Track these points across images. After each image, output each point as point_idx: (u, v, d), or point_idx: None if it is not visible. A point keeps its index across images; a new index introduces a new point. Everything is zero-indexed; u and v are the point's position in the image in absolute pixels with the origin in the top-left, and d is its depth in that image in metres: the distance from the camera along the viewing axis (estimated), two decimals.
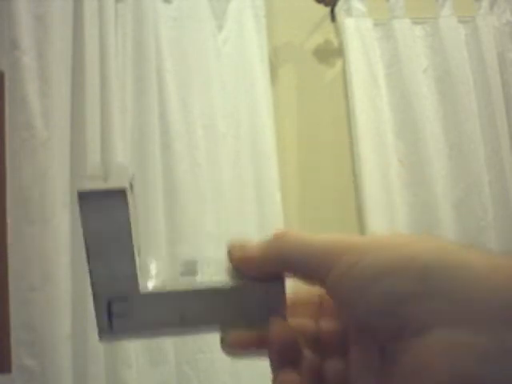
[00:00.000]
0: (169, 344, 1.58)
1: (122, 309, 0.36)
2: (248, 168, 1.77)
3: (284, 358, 0.36)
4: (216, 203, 1.70)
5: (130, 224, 0.35)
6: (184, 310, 0.37)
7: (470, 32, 1.99)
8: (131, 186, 0.36)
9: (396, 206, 1.85)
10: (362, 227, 1.86)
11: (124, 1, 1.74)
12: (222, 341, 0.37)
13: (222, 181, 1.73)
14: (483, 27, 1.98)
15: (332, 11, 1.99)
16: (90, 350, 1.50)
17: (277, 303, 0.37)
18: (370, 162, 1.86)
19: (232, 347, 0.37)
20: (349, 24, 1.94)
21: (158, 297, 0.37)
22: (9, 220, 1.48)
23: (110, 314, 0.36)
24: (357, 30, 1.93)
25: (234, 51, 1.84)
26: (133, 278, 0.36)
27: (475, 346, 0.27)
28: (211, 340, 1.59)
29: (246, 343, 0.37)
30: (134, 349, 1.55)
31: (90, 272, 0.36)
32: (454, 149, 1.92)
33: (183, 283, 0.37)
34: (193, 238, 1.64)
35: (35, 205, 1.50)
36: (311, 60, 2.00)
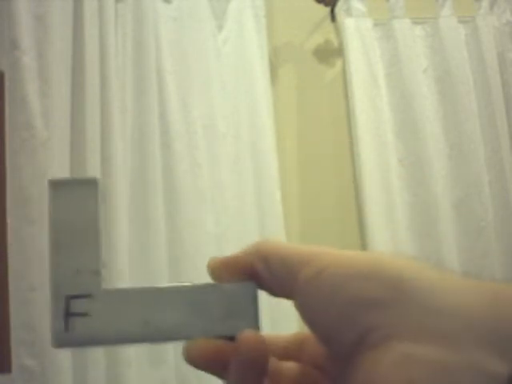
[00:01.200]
0: (169, 344, 1.57)
1: (82, 307, 0.33)
2: (248, 168, 1.77)
3: (250, 373, 0.32)
4: (216, 203, 1.70)
5: (99, 217, 0.34)
6: (148, 313, 0.33)
7: (470, 32, 1.99)
8: (101, 193, 0.35)
9: (396, 205, 1.85)
10: (361, 227, 1.86)
11: (124, 1, 1.74)
12: (185, 350, 0.34)
13: (222, 181, 1.73)
14: (483, 27, 1.98)
15: (332, 11, 1.99)
16: (90, 350, 1.49)
17: (248, 309, 0.34)
18: (370, 161, 1.86)
19: (195, 357, 0.34)
20: (349, 24, 1.94)
21: (122, 296, 0.34)
22: (9, 220, 1.48)
23: (67, 314, 0.33)
24: (357, 30, 1.93)
25: (233, 51, 1.84)
26: (96, 273, 0.33)
27: (438, 363, 0.26)
28: None
29: (211, 354, 0.33)
30: (134, 349, 1.55)
31: (51, 265, 0.33)
32: (454, 149, 1.92)
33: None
34: (193, 238, 1.64)
35: (35, 205, 1.50)
36: (311, 60, 2.00)
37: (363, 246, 1.85)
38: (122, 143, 1.64)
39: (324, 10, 1.98)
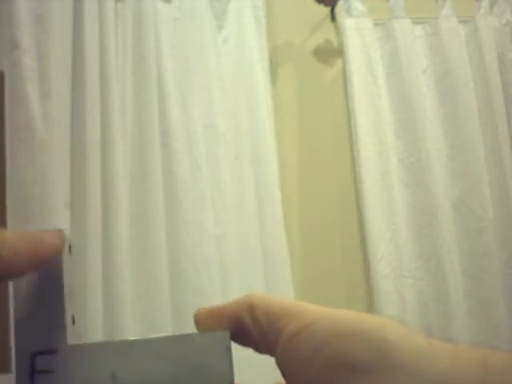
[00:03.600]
0: None
1: (47, 364, 0.31)
2: (248, 168, 1.77)
3: None
4: (216, 203, 1.70)
5: (61, 270, 0.32)
6: (116, 367, 0.32)
7: (469, 32, 1.99)
8: (69, 247, 0.33)
9: (396, 205, 1.85)
10: (361, 227, 1.86)
11: (124, 1, 1.74)
12: None
13: (222, 181, 1.73)
14: (483, 27, 1.98)
15: (332, 11, 1.99)
16: None
17: (221, 361, 0.32)
18: (370, 161, 1.86)
19: None
20: (349, 24, 1.94)
21: (88, 351, 0.32)
22: (9, 220, 1.48)
23: (32, 371, 0.31)
24: (357, 30, 1.93)
25: (234, 51, 1.84)
26: (61, 328, 0.32)
27: None
28: None
29: None
30: None
31: (15, 322, 0.32)
32: (454, 149, 1.92)
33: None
34: (193, 238, 1.64)
35: (35, 205, 1.50)
36: (311, 60, 2.00)
37: (363, 245, 1.85)
38: (121, 143, 1.64)
39: (324, 10, 1.98)
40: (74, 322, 0.33)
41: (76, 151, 1.59)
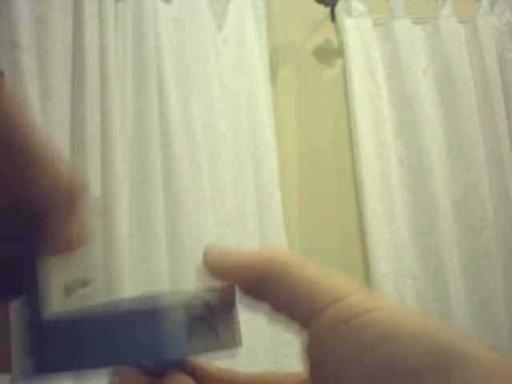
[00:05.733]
0: None
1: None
2: (248, 168, 1.77)
3: None
4: (216, 203, 1.70)
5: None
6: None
7: (469, 32, 1.99)
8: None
9: (396, 205, 1.85)
10: (362, 227, 1.86)
11: (124, 1, 1.74)
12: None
13: (222, 181, 1.73)
14: (483, 27, 1.98)
15: (332, 11, 1.99)
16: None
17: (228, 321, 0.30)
18: (370, 161, 1.86)
19: None
20: (349, 24, 1.94)
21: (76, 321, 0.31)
22: None
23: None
24: (357, 30, 1.93)
25: (234, 51, 1.84)
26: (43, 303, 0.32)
27: None
28: None
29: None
30: None
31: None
32: (454, 149, 1.92)
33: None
34: (193, 238, 1.64)
35: None
36: (311, 60, 2.00)
37: (363, 245, 1.85)
38: (121, 143, 1.64)
39: (324, 10, 1.98)
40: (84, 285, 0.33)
41: (76, 151, 1.59)
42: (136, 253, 1.61)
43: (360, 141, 1.87)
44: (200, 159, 1.71)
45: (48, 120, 1.54)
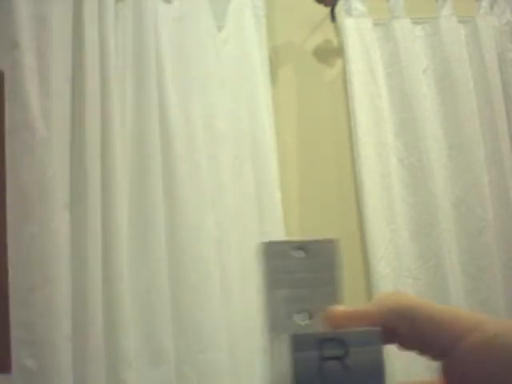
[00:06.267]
0: (169, 344, 1.58)
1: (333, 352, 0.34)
2: (248, 168, 1.77)
3: None
4: (216, 203, 1.70)
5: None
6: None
7: (469, 32, 1.99)
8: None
9: (396, 205, 1.85)
10: (362, 227, 1.86)
11: (124, 1, 1.74)
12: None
13: (222, 181, 1.73)
14: (483, 27, 1.98)
15: (332, 11, 1.99)
16: (90, 350, 1.49)
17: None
18: (370, 161, 1.86)
19: None
20: (349, 24, 1.94)
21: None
22: (9, 220, 1.48)
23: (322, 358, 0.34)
24: (357, 30, 1.93)
25: (234, 51, 1.84)
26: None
27: None
28: (211, 340, 1.59)
29: None
30: (134, 349, 1.55)
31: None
32: (454, 149, 1.92)
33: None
34: (193, 238, 1.64)
35: (35, 205, 1.50)
36: (311, 60, 2.00)
37: (363, 245, 1.85)
38: (121, 143, 1.64)
39: (324, 10, 1.98)
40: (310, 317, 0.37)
41: (76, 151, 1.59)
42: (136, 253, 1.61)
43: (360, 141, 1.87)
44: (200, 159, 1.70)
45: (48, 120, 1.54)
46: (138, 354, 1.56)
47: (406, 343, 0.35)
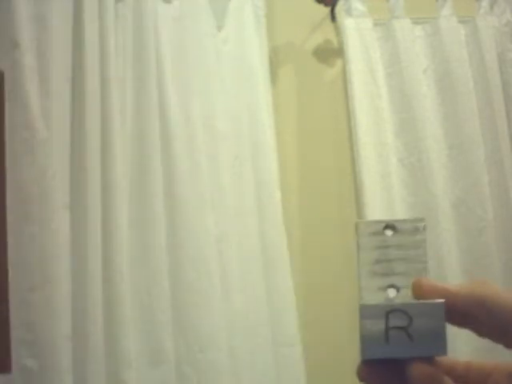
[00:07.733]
0: (169, 344, 1.58)
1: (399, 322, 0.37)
2: (248, 168, 1.77)
3: None
4: (216, 203, 1.70)
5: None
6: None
7: (469, 32, 1.99)
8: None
9: (396, 205, 1.85)
10: None
11: (124, 1, 1.74)
12: (359, 369, 0.37)
13: (222, 181, 1.73)
14: (483, 27, 1.98)
15: (332, 11, 1.99)
16: (90, 349, 1.49)
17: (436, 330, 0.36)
18: (370, 161, 1.85)
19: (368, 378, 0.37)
20: (349, 24, 1.94)
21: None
22: (9, 220, 1.48)
23: (387, 328, 0.37)
24: (357, 30, 1.93)
25: (234, 51, 1.84)
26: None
27: None
28: (211, 340, 1.59)
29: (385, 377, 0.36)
30: (134, 349, 1.55)
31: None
32: (454, 149, 1.91)
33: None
34: (193, 239, 1.64)
35: (35, 205, 1.50)
36: (311, 60, 2.00)
37: None
38: (121, 143, 1.64)
39: (324, 10, 1.98)
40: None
41: (76, 151, 1.59)
42: (136, 253, 1.61)
43: (360, 141, 1.86)
44: (200, 159, 1.70)
45: (48, 120, 1.54)
46: (138, 354, 1.56)
47: (482, 329, 0.36)
